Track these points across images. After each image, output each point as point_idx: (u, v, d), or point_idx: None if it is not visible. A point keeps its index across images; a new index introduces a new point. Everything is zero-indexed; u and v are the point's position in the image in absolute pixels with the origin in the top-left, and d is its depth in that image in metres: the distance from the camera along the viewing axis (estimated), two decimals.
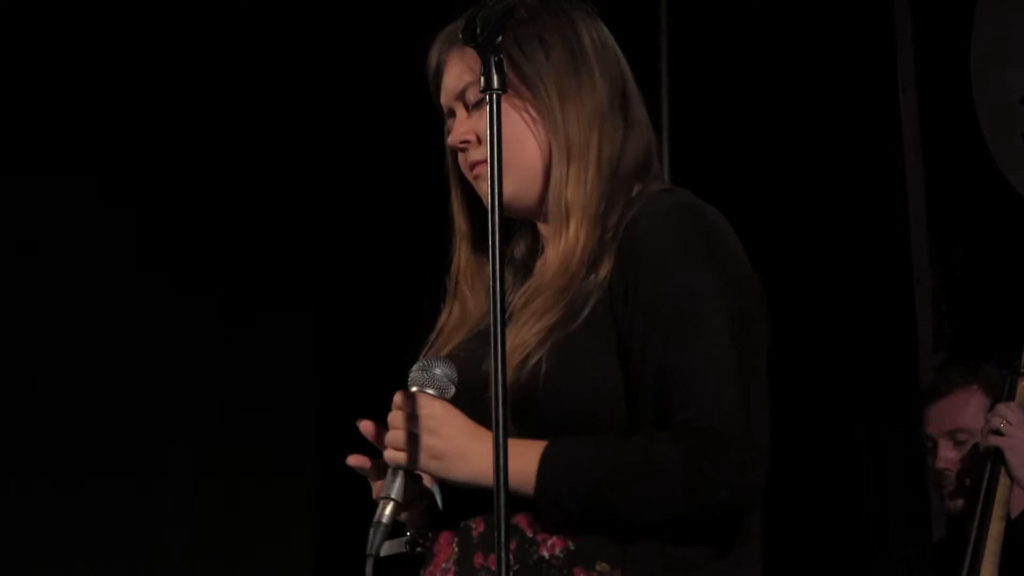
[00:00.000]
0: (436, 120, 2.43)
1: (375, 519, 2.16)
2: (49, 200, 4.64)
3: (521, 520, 2.18)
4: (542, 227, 2.36)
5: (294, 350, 4.96)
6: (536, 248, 2.38)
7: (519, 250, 2.39)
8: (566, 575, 2.16)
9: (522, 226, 2.40)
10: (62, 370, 4.62)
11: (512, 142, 2.26)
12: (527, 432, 2.17)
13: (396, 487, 2.17)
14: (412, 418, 2.18)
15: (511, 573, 2.07)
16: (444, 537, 2.25)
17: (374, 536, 2.15)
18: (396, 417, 2.19)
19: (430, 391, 2.19)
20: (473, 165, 2.33)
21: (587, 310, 2.19)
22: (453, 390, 2.21)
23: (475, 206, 2.37)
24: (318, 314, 5.00)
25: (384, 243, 4.81)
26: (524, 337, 2.19)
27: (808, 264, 4.76)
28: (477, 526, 2.22)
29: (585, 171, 2.27)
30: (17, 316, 4.59)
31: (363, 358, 4.72)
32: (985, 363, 3.87)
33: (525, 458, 2.15)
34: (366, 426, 2.24)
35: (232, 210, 4.82)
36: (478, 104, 2.32)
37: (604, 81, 2.32)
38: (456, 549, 2.23)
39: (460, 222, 2.40)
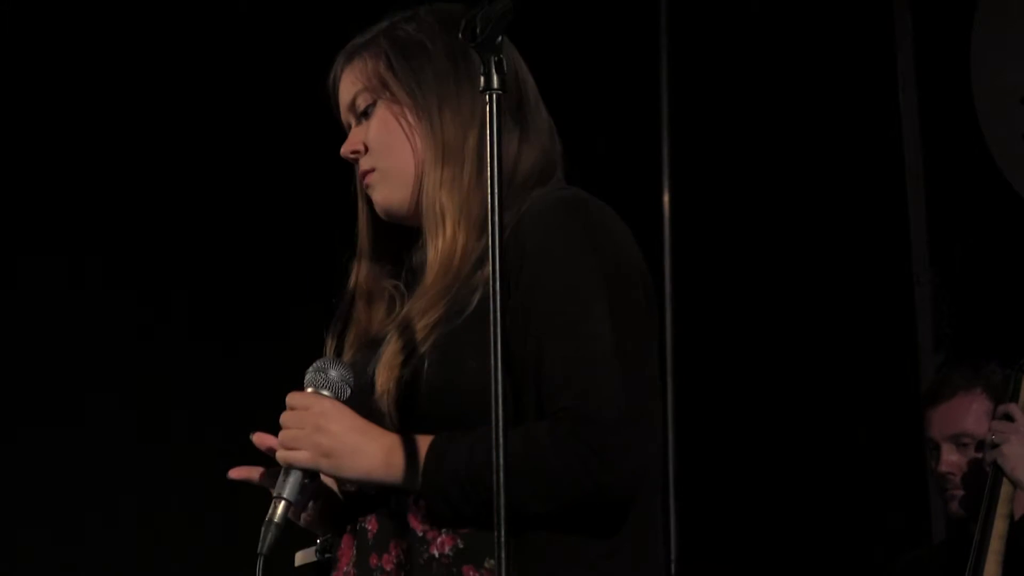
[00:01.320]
0: None
1: (267, 518, 2.16)
2: None
3: (412, 519, 2.18)
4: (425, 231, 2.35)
5: None
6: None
7: (417, 256, 2.37)
8: (455, 573, 2.15)
9: (418, 236, 2.38)
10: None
11: (392, 148, 2.32)
12: (413, 428, 2.18)
13: (288, 486, 2.17)
14: (303, 417, 2.18)
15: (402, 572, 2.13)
16: (345, 540, 2.26)
17: (265, 534, 2.15)
18: (288, 417, 2.19)
19: (325, 392, 2.20)
20: (363, 175, 2.36)
21: (472, 305, 2.19)
22: (349, 392, 2.21)
23: (378, 221, 2.38)
24: None
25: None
26: (407, 337, 2.20)
27: (808, 264, 4.76)
28: (371, 526, 2.22)
29: (460, 174, 2.28)
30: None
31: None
32: (987, 364, 3.85)
33: (411, 454, 2.15)
34: (260, 438, 2.24)
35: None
36: (365, 112, 2.35)
37: (478, 84, 2.26)
38: (354, 552, 2.23)
39: (362, 239, 2.40)
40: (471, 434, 2.13)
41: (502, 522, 1.98)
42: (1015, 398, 3.67)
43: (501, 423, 2.00)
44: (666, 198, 4.74)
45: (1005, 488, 3.61)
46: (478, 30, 2.08)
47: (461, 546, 2.16)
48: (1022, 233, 4.61)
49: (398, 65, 2.33)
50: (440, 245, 2.26)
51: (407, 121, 2.32)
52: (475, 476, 2.11)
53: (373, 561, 2.20)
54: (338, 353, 2.34)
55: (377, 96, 2.34)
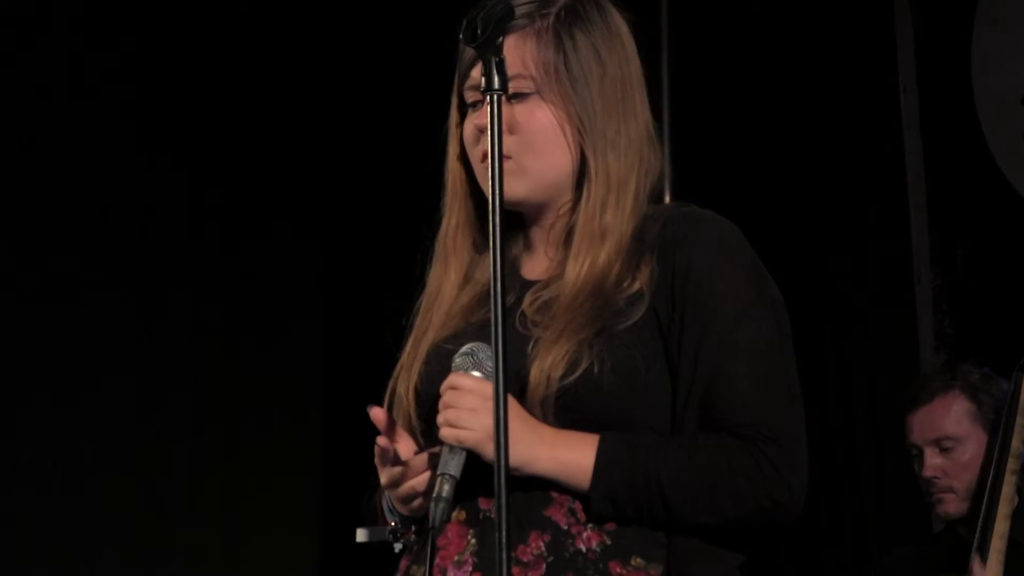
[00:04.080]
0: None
1: (435, 495, 2.14)
2: None
3: (555, 512, 2.19)
4: (537, 231, 2.35)
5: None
6: (522, 247, 2.37)
7: (515, 248, 2.37)
8: (602, 569, 2.17)
9: (512, 223, 2.36)
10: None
11: (544, 150, 2.29)
12: (568, 428, 2.20)
13: (454, 464, 2.16)
14: (472, 398, 2.17)
15: (545, 563, 2.14)
16: (453, 529, 2.24)
17: (435, 510, 2.13)
18: (455, 397, 2.18)
19: (476, 374, 2.20)
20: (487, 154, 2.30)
21: (632, 318, 2.21)
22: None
23: (470, 178, 2.35)
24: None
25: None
26: (568, 346, 2.19)
27: (809, 264, 4.76)
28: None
29: (624, 200, 2.28)
30: None
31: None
32: (963, 364, 3.86)
33: (578, 449, 2.18)
34: (377, 413, 2.24)
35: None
36: (519, 97, 2.28)
37: (644, 112, 2.33)
38: (473, 540, 2.21)
39: (457, 184, 2.36)
40: (640, 437, 2.17)
41: (503, 524, 2.00)
42: (1016, 397, 3.67)
43: (504, 419, 2.03)
44: (667, 201, 4.75)
45: (1006, 489, 3.61)
46: (479, 31, 2.09)
47: (608, 542, 2.18)
48: (1022, 233, 4.61)
49: (575, 70, 2.29)
50: (594, 262, 2.25)
51: (569, 130, 2.29)
52: (649, 481, 2.15)
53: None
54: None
55: (540, 91, 2.29)
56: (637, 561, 2.18)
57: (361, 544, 2.42)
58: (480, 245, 2.36)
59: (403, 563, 2.30)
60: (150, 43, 4.81)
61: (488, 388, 2.14)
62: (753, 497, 2.17)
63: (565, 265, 2.29)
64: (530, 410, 2.19)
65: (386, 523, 2.32)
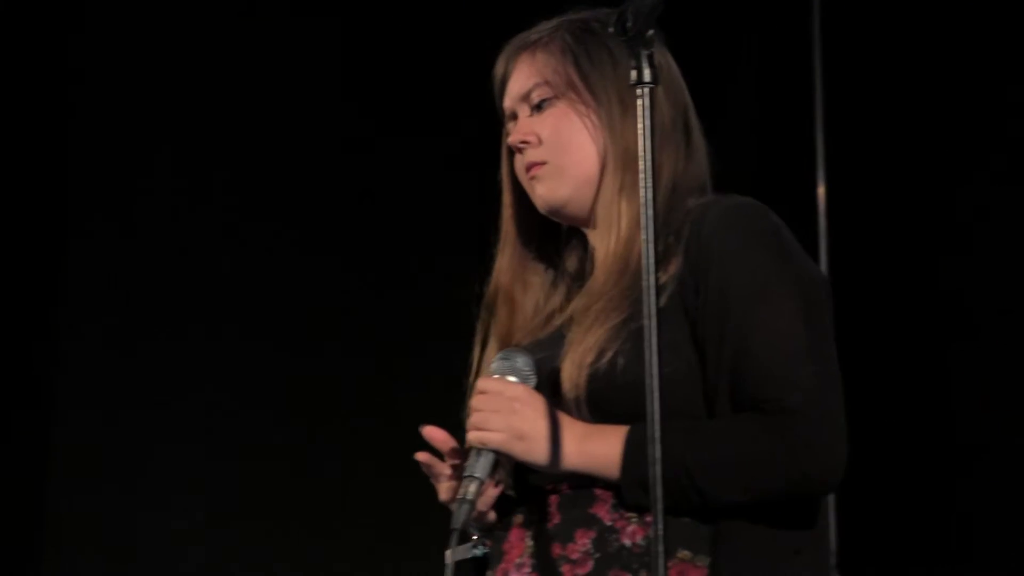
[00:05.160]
0: None
1: (459, 496, 2.21)
2: None
3: (599, 509, 2.23)
4: (591, 234, 2.42)
5: None
6: (586, 258, 2.44)
7: (571, 261, 2.45)
8: (648, 562, 2.19)
9: (571, 236, 2.46)
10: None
11: (572, 146, 2.37)
12: (601, 422, 2.24)
13: (480, 466, 2.22)
14: (497, 400, 2.24)
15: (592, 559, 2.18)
16: (514, 534, 2.30)
17: (459, 511, 2.19)
18: (481, 400, 2.25)
19: (512, 379, 2.26)
20: (530, 166, 2.40)
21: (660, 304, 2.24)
22: (535, 381, 2.27)
23: (526, 212, 2.44)
24: None
25: None
26: (596, 335, 2.25)
27: (975, 258, 4.66)
28: (552, 517, 2.27)
29: (633, 181, 2.30)
30: None
31: None
32: None
33: (607, 442, 2.22)
34: (430, 431, 2.31)
35: None
36: (540, 106, 2.39)
37: (667, 102, 2.38)
38: (530, 543, 2.27)
39: (509, 227, 2.46)
40: (668, 426, 2.18)
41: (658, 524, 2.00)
42: None
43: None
44: (821, 191, 4.70)
45: None
46: (628, 24, 2.11)
47: (653, 535, 2.19)
48: None
49: (585, 66, 2.39)
50: (613, 247, 2.33)
51: (591, 122, 2.38)
52: (676, 465, 2.16)
53: (556, 551, 2.25)
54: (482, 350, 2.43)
55: (558, 93, 2.39)
56: (684, 553, 2.20)
57: None
58: (544, 257, 2.45)
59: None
60: None
61: (513, 390, 2.23)
62: (782, 471, 2.18)
63: (595, 258, 2.36)
64: (564, 407, 2.24)
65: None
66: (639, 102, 2.11)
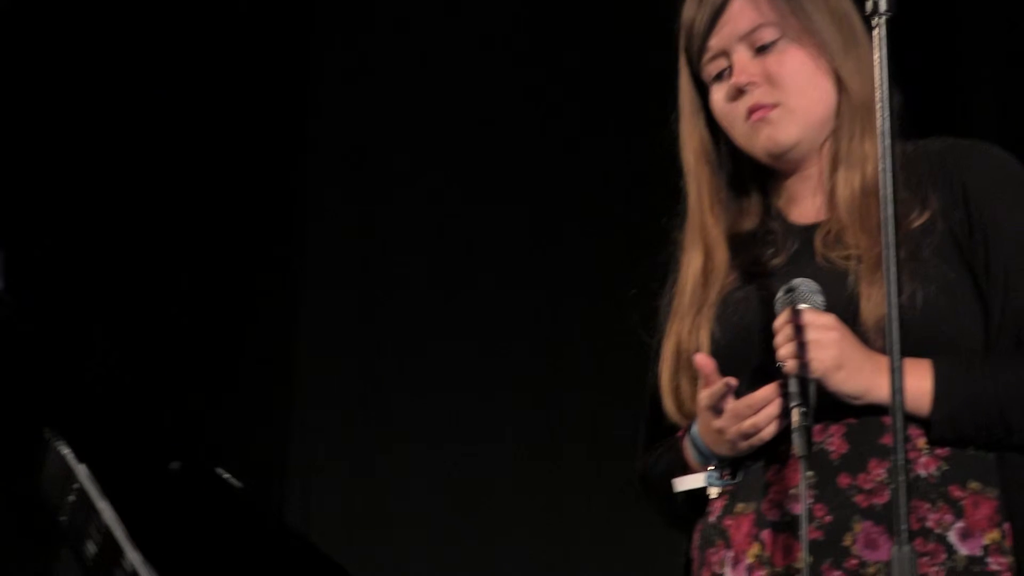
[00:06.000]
0: None
1: (794, 426, 2.21)
2: None
3: (890, 440, 2.16)
4: (797, 181, 2.41)
5: None
6: (768, 203, 2.43)
7: (778, 199, 2.43)
8: (942, 493, 2.22)
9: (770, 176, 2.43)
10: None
11: (807, 88, 2.36)
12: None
13: (809, 394, 2.22)
14: (809, 331, 2.23)
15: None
16: (785, 465, 2.27)
17: (801, 439, 2.20)
18: (793, 331, 2.24)
19: (805, 306, 2.24)
20: (756, 108, 2.36)
21: (933, 244, 2.29)
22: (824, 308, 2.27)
23: (711, 152, 2.42)
24: None
25: None
26: (877, 269, 2.24)
27: None
28: (836, 447, 2.27)
29: (872, 122, 2.26)
30: None
31: None
32: None
33: (915, 375, 2.22)
34: (702, 359, 2.28)
35: None
36: (767, 47, 2.37)
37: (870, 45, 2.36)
38: (810, 473, 2.24)
39: (700, 167, 2.43)
40: (972, 358, 2.25)
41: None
42: None
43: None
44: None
45: None
46: None
47: (945, 467, 2.24)
48: None
49: (808, 6, 2.38)
50: (859, 181, 2.34)
51: (823, 64, 2.37)
52: (989, 402, 2.21)
53: (844, 481, 2.25)
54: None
55: (786, 34, 2.37)
56: (974, 485, 2.23)
57: None
58: (734, 212, 2.43)
59: (717, 504, 2.34)
60: None
61: (824, 319, 2.23)
62: None
63: (835, 197, 2.35)
64: (864, 338, 2.24)
65: (695, 471, 2.37)
66: (874, 32, 2.08)
